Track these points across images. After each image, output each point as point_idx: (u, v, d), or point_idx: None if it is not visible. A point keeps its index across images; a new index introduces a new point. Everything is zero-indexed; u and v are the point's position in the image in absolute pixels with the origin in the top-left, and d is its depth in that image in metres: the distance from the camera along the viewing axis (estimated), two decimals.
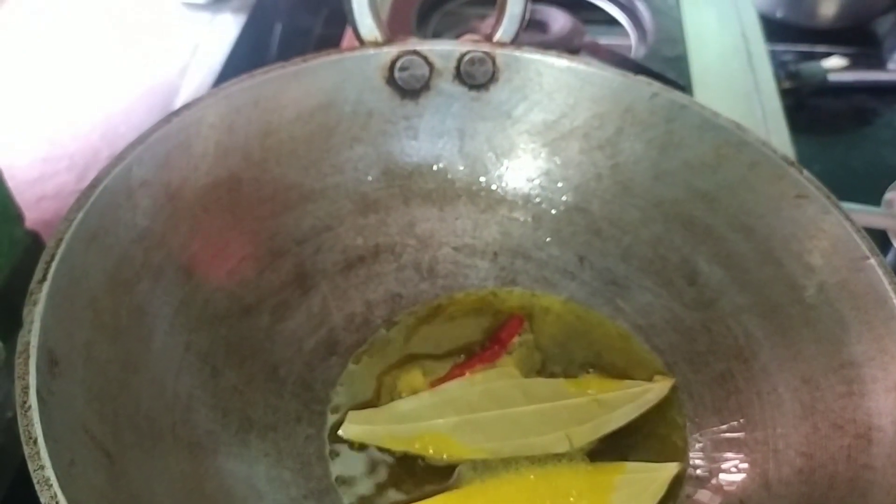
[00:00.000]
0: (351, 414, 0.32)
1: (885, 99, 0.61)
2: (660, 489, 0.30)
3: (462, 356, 0.35)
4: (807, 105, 0.60)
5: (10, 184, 0.35)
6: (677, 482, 0.31)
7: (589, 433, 0.31)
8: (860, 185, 0.52)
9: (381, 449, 0.32)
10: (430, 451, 0.31)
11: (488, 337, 0.36)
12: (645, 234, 0.36)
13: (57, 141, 0.48)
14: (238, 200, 0.34)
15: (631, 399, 0.32)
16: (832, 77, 0.61)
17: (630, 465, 0.31)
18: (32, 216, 0.37)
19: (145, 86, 0.52)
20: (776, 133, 0.52)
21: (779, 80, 0.57)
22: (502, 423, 0.32)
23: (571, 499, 0.30)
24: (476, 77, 0.36)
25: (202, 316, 0.32)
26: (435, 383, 0.33)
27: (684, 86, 0.54)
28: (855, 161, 0.58)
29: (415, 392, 0.33)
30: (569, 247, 0.38)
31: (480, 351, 0.35)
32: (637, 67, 0.53)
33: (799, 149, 0.50)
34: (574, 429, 0.31)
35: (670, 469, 0.31)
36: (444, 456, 0.31)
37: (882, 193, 0.48)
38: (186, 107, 0.32)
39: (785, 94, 0.56)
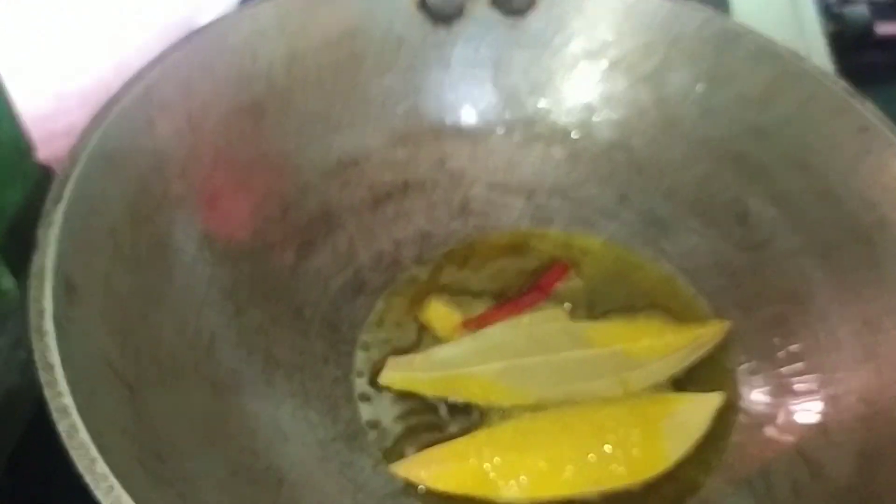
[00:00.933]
0: (391, 360, 0.31)
1: None
2: (706, 418, 0.29)
3: (497, 298, 0.33)
4: (849, 56, 0.58)
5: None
6: (725, 422, 0.29)
7: (643, 379, 0.30)
8: None
9: (412, 393, 0.30)
10: (475, 398, 0.30)
11: (525, 279, 0.34)
12: (691, 172, 0.34)
13: (69, 77, 0.46)
14: (262, 131, 0.32)
15: (685, 343, 0.31)
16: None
17: (675, 396, 0.30)
18: (44, 154, 0.35)
19: (160, 24, 0.50)
20: None
21: (821, 24, 0.54)
22: (551, 368, 0.30)
23: (618, 431, 0.28)
24: (514, 3, 0.34)
25: (225, 252, 0.30)
26: (468, 323, 0.32)
27: None
28: None
29: (448, 330, 0.31)
30: (609, 185, 0.36)
31: (518, 295, 0.33)
32: None
33: None
34: (627, 374, 0.30)
35: (715, 398, 0.30)
36: (491, 402, 0.29)
37: None
38: (208, 26, 0.30)
39: (828, 39, 0.53)
